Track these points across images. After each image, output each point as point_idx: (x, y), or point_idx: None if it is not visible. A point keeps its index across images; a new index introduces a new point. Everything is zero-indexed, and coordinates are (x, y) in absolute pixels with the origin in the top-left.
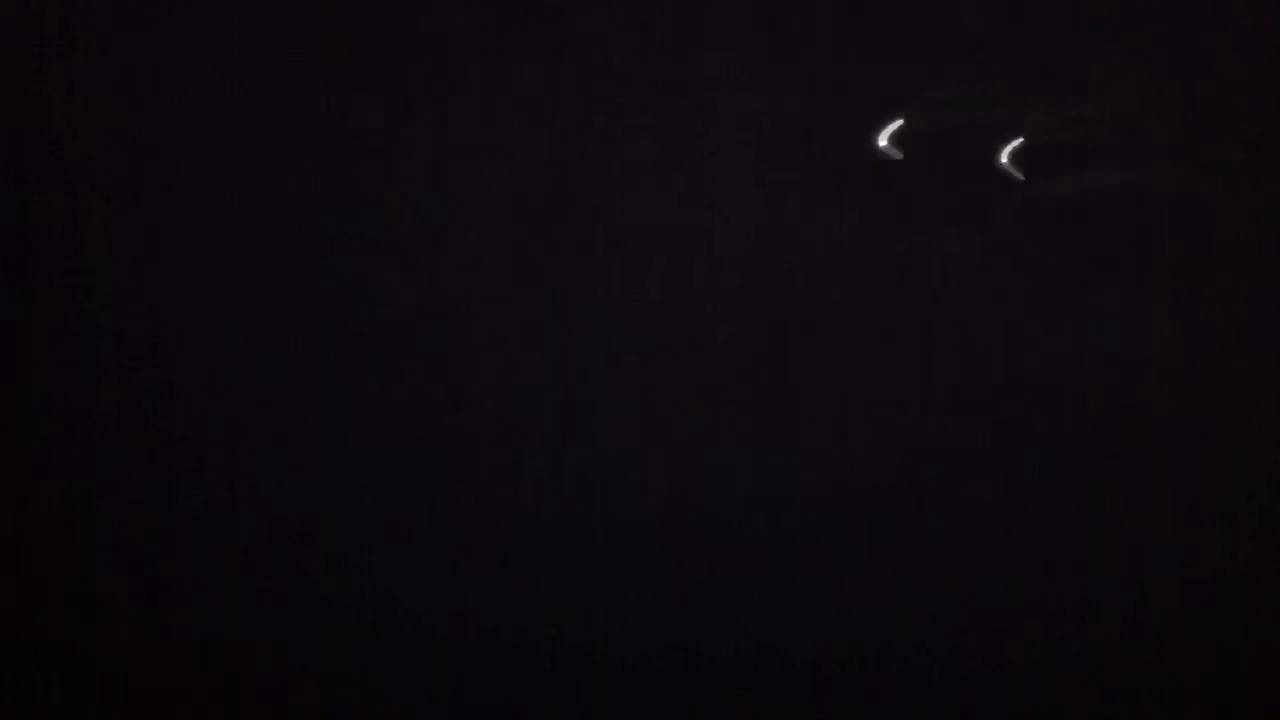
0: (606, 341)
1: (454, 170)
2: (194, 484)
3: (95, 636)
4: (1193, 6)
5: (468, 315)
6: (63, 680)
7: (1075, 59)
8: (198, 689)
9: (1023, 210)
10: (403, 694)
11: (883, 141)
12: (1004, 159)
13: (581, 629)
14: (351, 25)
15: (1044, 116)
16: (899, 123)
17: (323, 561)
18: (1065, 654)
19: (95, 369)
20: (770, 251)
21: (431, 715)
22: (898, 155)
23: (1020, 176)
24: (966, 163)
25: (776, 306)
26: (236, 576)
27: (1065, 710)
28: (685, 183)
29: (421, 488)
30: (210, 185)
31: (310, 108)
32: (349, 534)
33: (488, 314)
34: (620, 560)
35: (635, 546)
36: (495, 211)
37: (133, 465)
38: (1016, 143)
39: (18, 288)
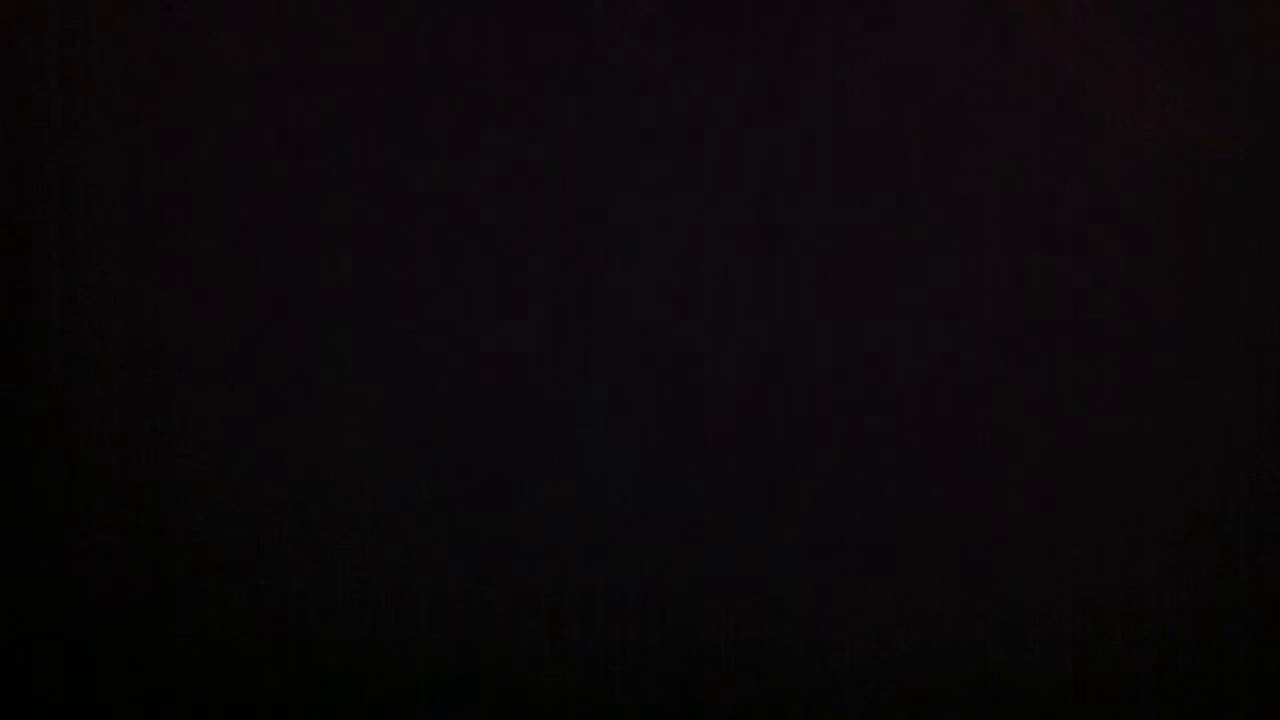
0: (606, 340)
1: (455, 168)
2: (194, 483)
3: (95, 636)
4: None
5: (468, 314)
6: (62, 680)
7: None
8: (198, 688)
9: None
10: (402, 691)
11: None
12: None
13: (581, 627)
14: (354, 27)
15: None
16: None
17: (324, 561)
18: (1065, 654)
19: (95, 369)
20: (770, 250)
21: (431, 713)
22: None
23: None
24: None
25: (776, 305)
26: (237, 576)
27: (1065, 710)
28: (685, 182)
29: (423, 486)
30: (211, 186)
31: (312, 108)
32: (350, 533)
33: (488, 314)
34: (619, 559)
35: (634, 545)
36: (497, 211)
37: (133, 465)
38: None
39: (18, 288)
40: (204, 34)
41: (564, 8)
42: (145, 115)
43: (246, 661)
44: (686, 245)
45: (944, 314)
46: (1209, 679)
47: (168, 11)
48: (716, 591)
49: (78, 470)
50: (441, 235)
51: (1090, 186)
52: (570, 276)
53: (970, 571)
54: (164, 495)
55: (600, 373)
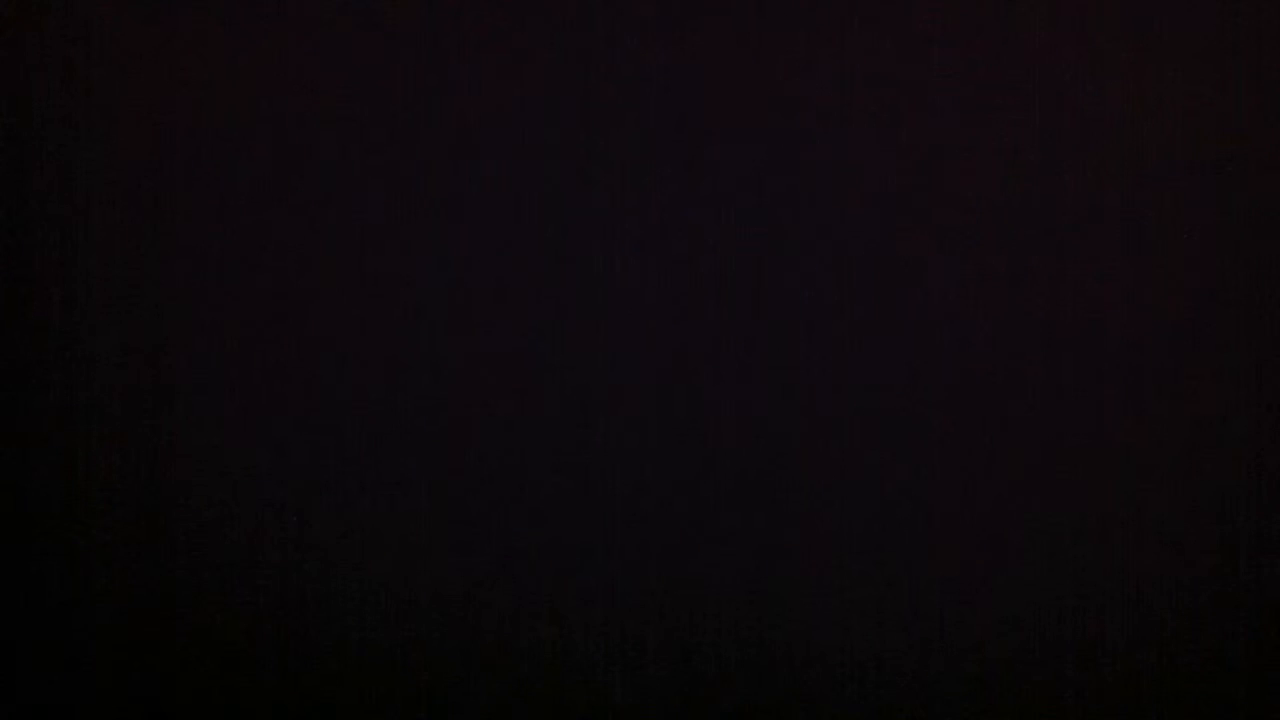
0: (606, 340)
1: (455, 168)
2: (194, 484)
3: (95, 636)
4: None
5: (469, 314)
6: (62, 680)
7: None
8: (198, 688)
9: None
10: (402, 691)
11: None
12: None
13: (581, 627)
14: (354, 26)
15: None
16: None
17: (324, 560)
18: (1065, 654)
19: (95, 369)
20: (770, 250)
21: (430, 713)
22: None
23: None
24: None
25: (775, 302)
26: (237, 576)
27: (1065, 710)
28: (685, 182)
29: (423, 486)
30: (211, 186)
31: (312, 108)
32: (350, 532)
33: (488, 313)
34: (619, 559)
35: (634, 545)
36: (494, 209)
37: (133, 465)
38: None
39: (18, 288)
40: (204, 34)
41: (564, 7)
42: (145, 115)
43: (246, 661)
44: (686, 245)
45: (944, 314)
46: (1209, 679)
47: (167, 11)
48: (716, 591)
49: (78, 470)
50: (441, 235)
51: (1090, 186)
52: (570, 276)
53: (970, 571)
54: (164, 495)
55: (600, 373)
